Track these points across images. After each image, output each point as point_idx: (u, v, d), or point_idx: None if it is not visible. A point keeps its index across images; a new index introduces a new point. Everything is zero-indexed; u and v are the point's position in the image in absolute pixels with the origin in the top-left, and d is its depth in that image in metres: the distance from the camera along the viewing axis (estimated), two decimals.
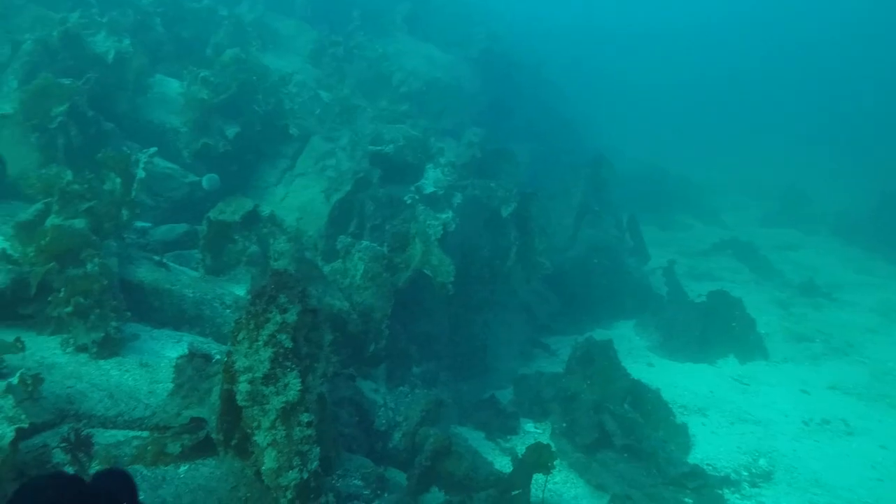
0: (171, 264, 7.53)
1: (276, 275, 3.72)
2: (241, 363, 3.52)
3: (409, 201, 9.07)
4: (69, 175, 6.61)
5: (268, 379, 3.50)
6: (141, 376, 5.07)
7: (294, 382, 3.51)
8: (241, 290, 7.36)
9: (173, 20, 11.30)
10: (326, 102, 11.20)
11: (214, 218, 7.13)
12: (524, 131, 17.15)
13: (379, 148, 9.34)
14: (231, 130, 9.74)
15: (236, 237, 7.52)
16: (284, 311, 3.54)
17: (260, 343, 3.52)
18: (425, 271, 8.13)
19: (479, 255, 9.38)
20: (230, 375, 3.59)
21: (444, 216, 8.63)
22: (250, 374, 3.50)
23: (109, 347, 5.35)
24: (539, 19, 27.04)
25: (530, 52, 20.47)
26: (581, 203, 13.98)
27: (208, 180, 9.63)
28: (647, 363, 11.51)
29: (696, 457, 8.28)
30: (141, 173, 6.93)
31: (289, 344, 3.52)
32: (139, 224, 8.26)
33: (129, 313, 5.78)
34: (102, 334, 5.32)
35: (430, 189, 9.23)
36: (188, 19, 11.45)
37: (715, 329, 11.83)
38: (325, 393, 5.38)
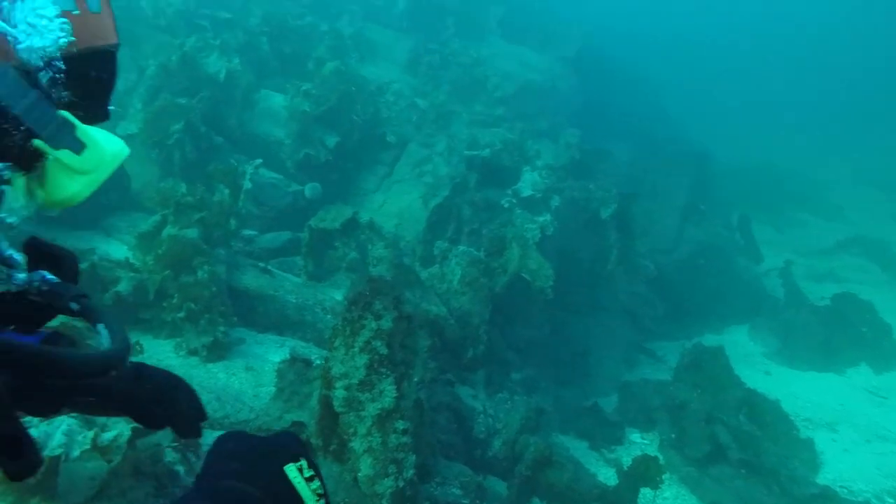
0: (275, 271, 7.79)
1: (372, 281, 3.73)
2: (337, 369, 3.55)
3: (506, 205, 8.96)
4: (183, 188, 6.98)
5: (363, 385, 3.50)
6: (246, 380, 5.25)
7: (389, 389, 3.49)
8: (340, 295, 7.51)
9: (277, 38, 11.76)
10: (422, 109, 11.29)
11: (315, 226, 7.30)
12: (622, 130, 16.59)
13: (475, 152, 9.29)
14: (331, 140, 9.99)
15: (336, 244, 7.69)
16: (379, 317, 3.53)
17: (356, 349, 3.53)
18: (523, 275, 7.99)
19: (579, 258, 9.12)
20: (328, 381, 3.62)
21: (541, 219, 8.46)
22: (346, 381, 3.51)
23: (217, 351, 5.57)
24: (634, 16, 26.22)
25: (625, 50, 19.86)
26: (685, 202, 13.35)
27: (311, 189, 9.92)
28: (763, 371, 10.81)
29: (825, 477, 7.60)
30: (247, 184, 7.21)
31: (384, 350, 3.51)
32: (246, 232, 8.63)
33: (235, 318, 6.01)
34: (211, 338, 5.54)
35: (527, 192, 9.08)
36: (291, 36, 11.89)
37: (841, 335, 10.93)
38: (423, 399, 5.36)
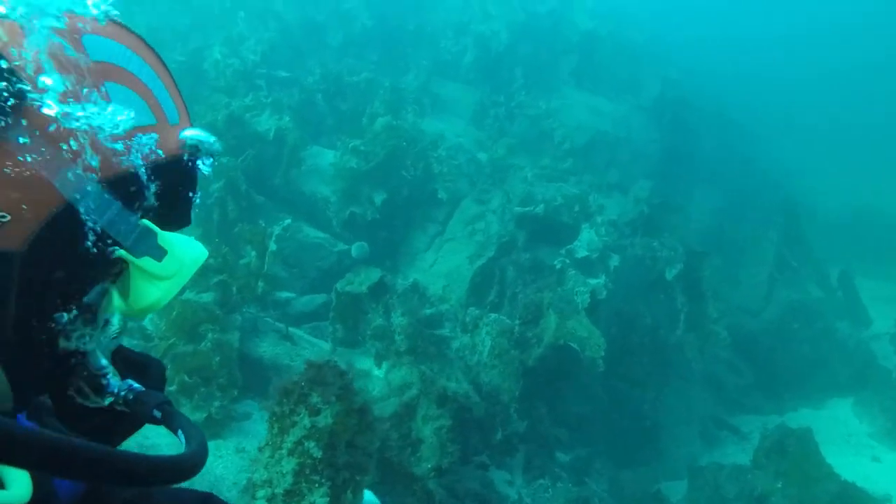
0: (304, 336, 7.40)
1: (312, 367, 3.17)
2: (259, 475, 2.98)
3: (558, 266, 8.24)
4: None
5: (290, 496, 2.91)
6: (232, 464, 4.78)
7: (321, 502, 2.87)
8: (369, 364, 7.01)
9: (334, 94, 11.75)
10: (479, 163, 10.83)
11: (342, 289, 6.89)
12: (706, 179, 15.48)
13: (527, 209, 8.68)
14: (378, 197, 9.68)
15: (368, 308, 7.23)
16: (316, 412, 2.96)
17: (283, 451, 2.97)
18: (571, 345, 7.21)
19: (641, 323, 8.21)
20: (250, 488, 3.07)
21: (594, 282, 7.69)
22: (269, 490, 2.94)
23: (211, 429, 5.15)
24: (717, 54, 24.81)
25: (711, 95, 18.71)
26: (774, 257, 12.06)
27: (357, 248, 9.59)
28: (871, 457, 9.30)
29: None
30: (272, 246, 6.92)
31: (317, 453, 2.92)
32: (283, 294, 8.34)
33: (236, 391, 5.60)
34: (205, 414, 5.14)
35: (582, 252, 8.33)
36: (348, 92, 11.85)
37: None
38: (433, 489, 4.71)
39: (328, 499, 2.91)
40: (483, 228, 9.72)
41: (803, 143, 25.41)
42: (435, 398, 5.26)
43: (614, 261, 8.53)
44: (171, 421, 1.20)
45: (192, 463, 1.09)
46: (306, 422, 2.97)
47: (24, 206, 0.95)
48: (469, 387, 5.86)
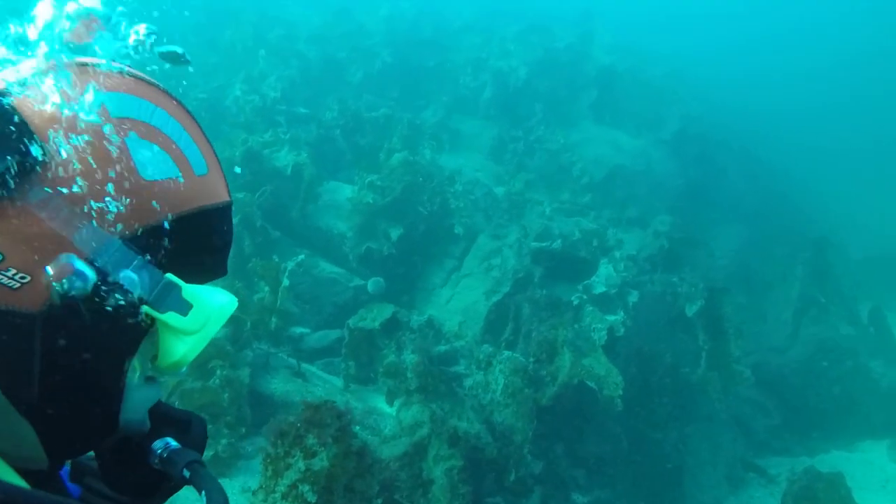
0: (317, 372, 7.32)
1: (308, 408, 3.08)
2: None
3: (576, 302, 8.09)
4: None
5: None
6: None
7: None
8: (381, 402, 6.89)
9: (353, 130, 11.84)
10: (495, 198, 10.78)
11: (354, 325, 6.82)
12: (731, 214, 15.23)
13: (544, 244, 8.58)
14: (395, 232, 9.65)
15: (381, 345, 7.14)
16: (312, 455, 2.85)
17: (277, 496, 2.86)
18: (589, 384, 7.02)
19: (661, 361, 7.99)
20: None
21: (612, 318, 7.52)
22: None
23: (217, 467, 5.06)
24: (745, 96, 24.63)
25: (736, 130, 18.54)
26: (800, 294, 11.75)
27: (374, 284, 9.54)
28: None
29: None
30: (285, 281, 6.88)
31: (312, 498, 2.80)
32: (298, 330, 8.29)
33: (244, 429, 5.51)
34: (211, 453, 5.05)
35: (600, 289, 8.18)
36: (366, 128, 11.94)
37: None
38: None
39: None
40: (499, 264, 9.63)
41: (836, 176, 24.93)
42: (446, 438, 5.12)
43: (633, 297, 8.36)
44: (197, 481, 1.18)
45: None
46: (301, 464, 2.87)
47: (43, 267, 0.95)
48: (481, 427, 5.71)
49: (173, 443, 1.21)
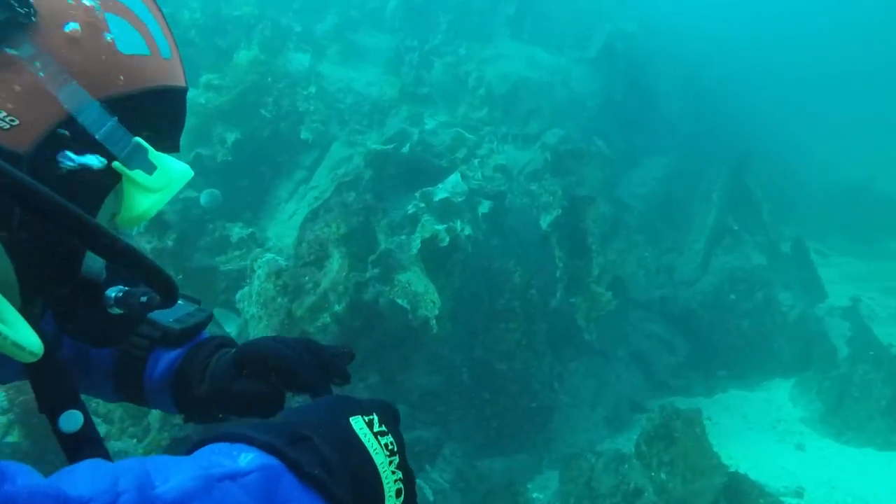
0: None
1: None
2: None
3: (411, 210, 6.84)
4: None
5: None
6: None
7: None
8: None
9: (212, 31, 10.35)
10: (360, 105, 9.41)
11: None
12: (664, 143, 13.92)
13: (381, 147, 7.27)
14: (231, 137, 8.31)
15: None
16: None
17: None
18: (399, 302, 5.84)
19: (509, 280, 6.80)
20: None
21: (440, 227, 6.29)
22: None
23: None
24: (705, 19, 22.91)
25: (681, 56, 17.04)
26: (715, 221, 10.59)
27: (207, 196, 8.24)
28: (795, 444, 7.84)
29: None
30: None
31: None
32: None
33: None
34: None
35: (441, 195, 6.92)
36: (228, 29, 10.45)
37: None
38: None
39: None
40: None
41: (802, 119, 23.57)
42: None
43: (483, 207, 7.12)
44: (153, 296, 1.18)
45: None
46: None
47: (31, 114, 1.03)
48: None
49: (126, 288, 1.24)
